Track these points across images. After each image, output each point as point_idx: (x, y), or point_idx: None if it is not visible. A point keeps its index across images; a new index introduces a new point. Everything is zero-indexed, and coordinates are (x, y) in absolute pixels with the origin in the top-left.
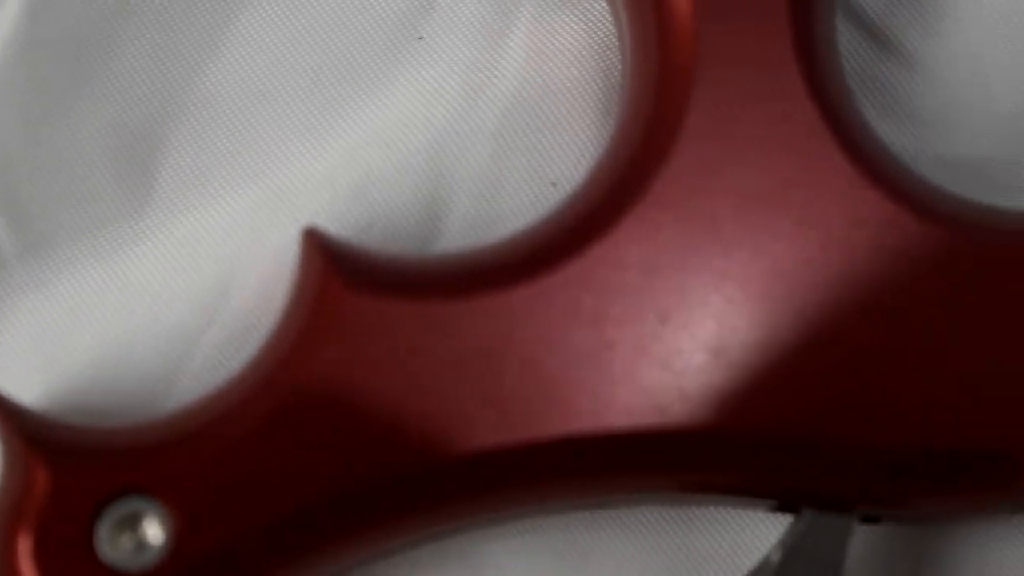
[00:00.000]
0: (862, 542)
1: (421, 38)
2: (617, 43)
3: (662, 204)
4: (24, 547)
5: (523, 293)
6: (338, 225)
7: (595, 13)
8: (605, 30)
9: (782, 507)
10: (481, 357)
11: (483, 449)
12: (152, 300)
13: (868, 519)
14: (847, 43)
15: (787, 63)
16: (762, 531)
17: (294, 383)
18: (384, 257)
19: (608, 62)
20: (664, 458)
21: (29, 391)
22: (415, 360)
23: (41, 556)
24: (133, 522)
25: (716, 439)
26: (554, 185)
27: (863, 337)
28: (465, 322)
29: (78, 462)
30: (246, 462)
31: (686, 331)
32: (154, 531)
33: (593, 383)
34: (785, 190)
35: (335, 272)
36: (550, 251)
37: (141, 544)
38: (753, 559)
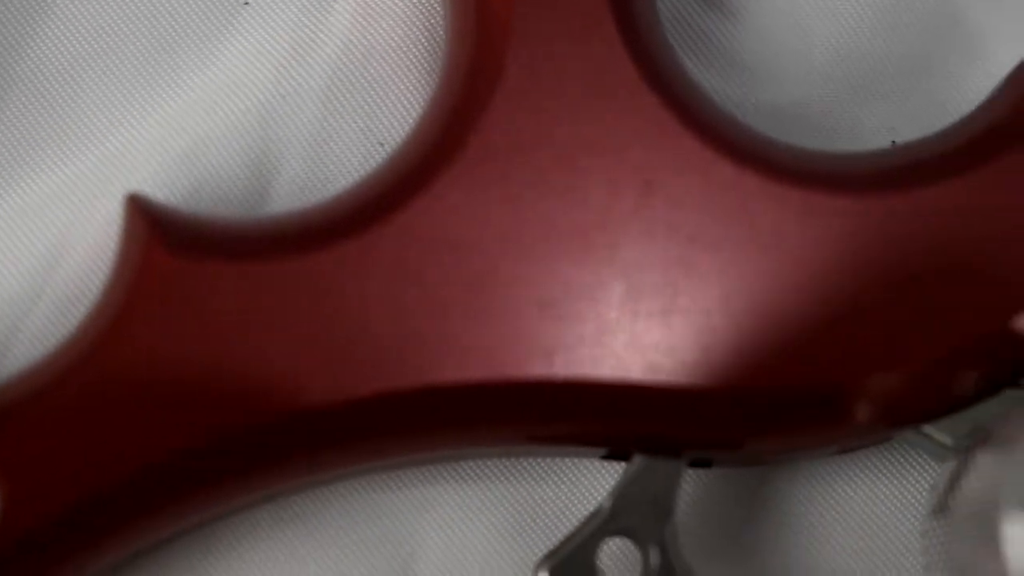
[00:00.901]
0: (695, 486)
1: (247, 3)
2: (440, 3)
3: (482, 158)
4: None
5: (348, 250)
6: (168, 191)
7: None
8: None
9: (614, 455)
10: (310, 316)
11: (316, 407)
12: None
13: (699, 463)
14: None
15: (602, 14)
16: (600, 480)
17: (119, 351)
18: (209, 221)
19: (433, 22)
20: (498, 410)
21: None
22: (244, 322)
23: None
24: None
25: (546, 389)
26: (382, 145)
27: (686, 283)
28: (292, 281)
29: None
30: (75, 432)
31: (514, 283)
32: None
33: (423, 338)
34: (604, 139)
35: (158, 238)
36: (373, 208)
37: None
38: (590, 507)
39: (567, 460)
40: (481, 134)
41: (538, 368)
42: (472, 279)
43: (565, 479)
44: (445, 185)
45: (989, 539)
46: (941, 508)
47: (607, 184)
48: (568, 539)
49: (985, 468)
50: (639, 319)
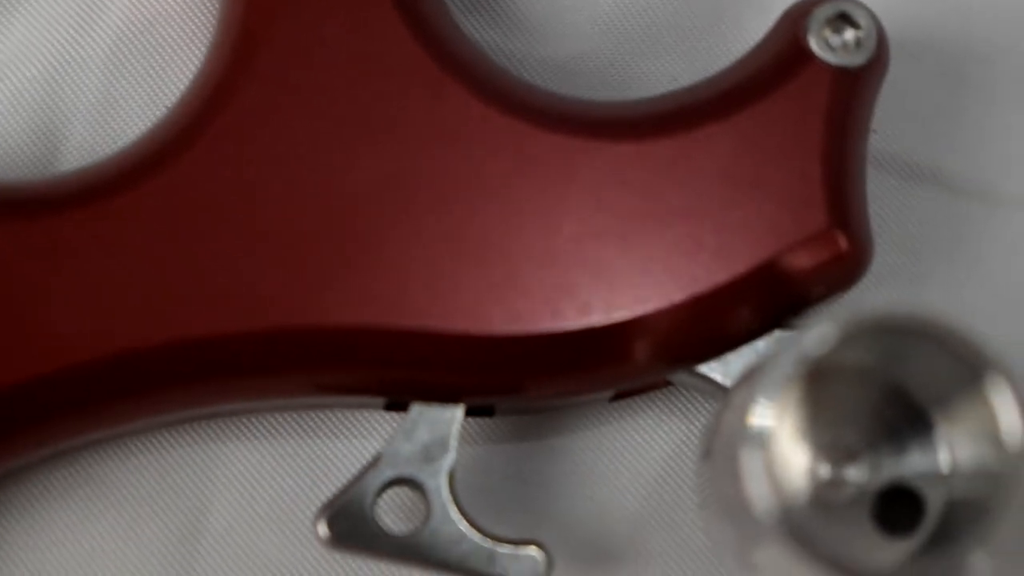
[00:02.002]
0: (479, 434)
1: None
2: None
3: (249, 117)
4: None
5: (119, 206)
6: None
7: None
8: None
9: (395, 405)
10: (86, 270)
11: (90, 360)
12: None
13: (481, 411)
14: None
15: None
16: (389, 433)
17: None
18: None
19: None
20: (272, 359)
21: None
22: (21, 278)
23: None
24: None
25: (319, 337)
26: (167, 108)
27: (461, 230)
28: (62, 239)
29: None
30: None
31: (285, 235)
32: None
33: (194, 290)
34: (374, 96)
35: None
36: (142, 166)
37: None
38: None
39: (357, 415)
40: (246, 96)
41: (310, 316)
42: (243, 231)
43: (355, 433)
44: (211, 143)
45: (737, 472)
46: (707, 447)
47: (377, 140)
48: (344, 489)
49: (736, 404)
50: (412, 267)
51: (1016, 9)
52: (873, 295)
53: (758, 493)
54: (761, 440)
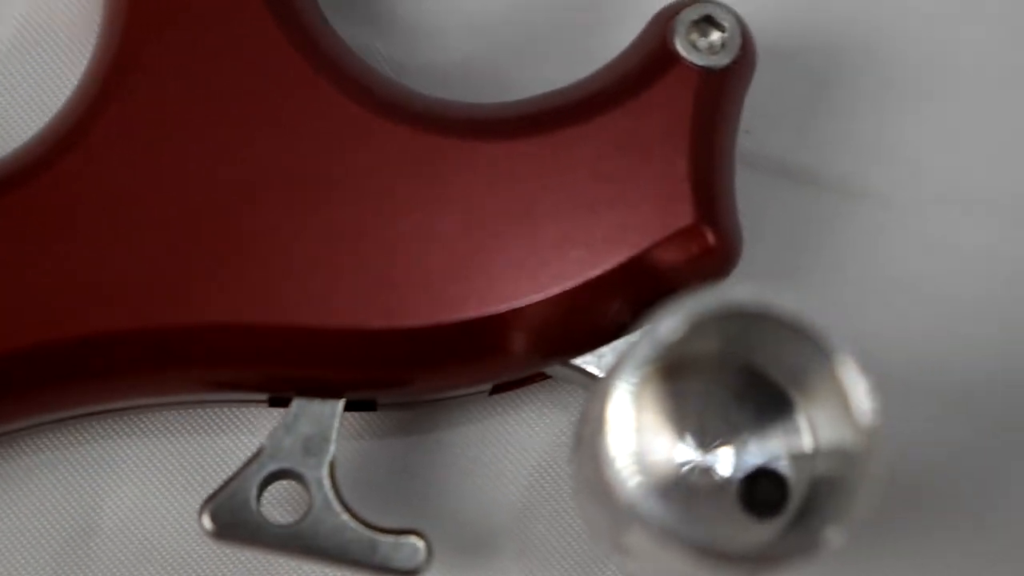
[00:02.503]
0: (364, 428)
1: None
2: None
3: (130, 119)
4: None
5: (10, 202)
6: None
7: None
8: None
9: (278, 401)
10: None
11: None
12: None
13: (364, 406)
14: None
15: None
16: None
17: None
18: None
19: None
20: (155, 357)
21: None
22: None
23: None
24: None
25: (197, 335)
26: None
27: (336, 229)
28: None
29: None
30: None
31: (161, 237)
32: None
33: (79, 288)
34: (251, 98)
35: None
36: (23, 171)
37: None
38: None
39: (247, 411)
40: (128, 98)
41: (188, 314)
42: (125, 231)
43: (245, 428)
44: (92, 145)
45: (601, 458)
46: (577, 435)
47: (255, 141)
48: (227, 482)
49: (600, 393)
50: (290, 265)
51: (881, 14)
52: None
53: (620, 479)
54: (622, 426)
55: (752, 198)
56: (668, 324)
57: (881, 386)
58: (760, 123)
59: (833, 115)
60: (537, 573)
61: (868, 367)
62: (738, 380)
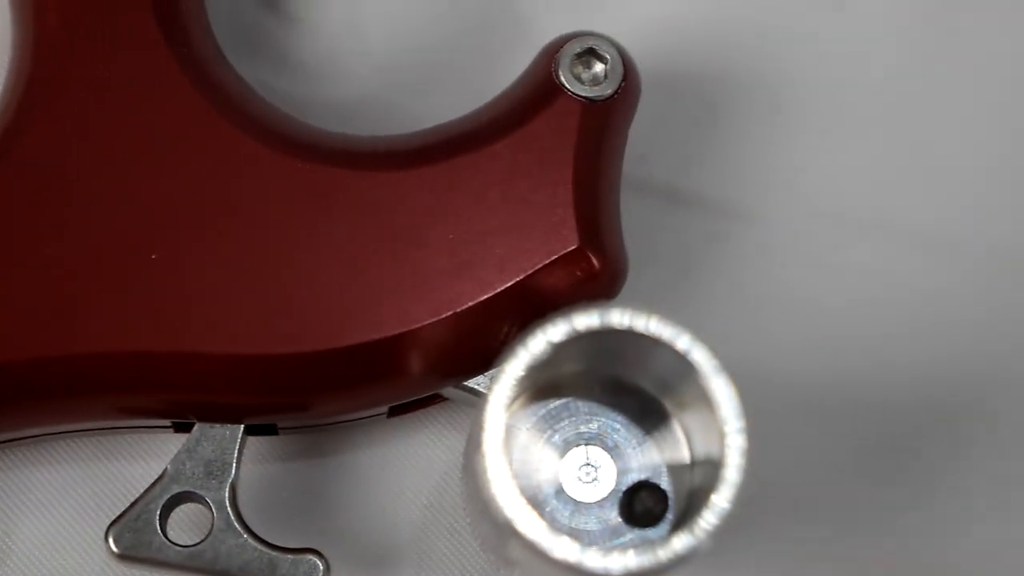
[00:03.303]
0: (268, 452)
1: None
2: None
3: (34, 152)
4: None
5: None
6: None
7: None
8: None
9: (182, 426)
10: None
11: None
12: None
13: (265, 431)
14: (241, 4)
15: (148, 24)
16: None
17: None
18: None
19: None
20: (51, 386)
21: None
22: None
23: None
24: None
25: (90, 363)
26: None
27: (224, 256)
28: None
29: None
30: None
31: (61, 266)
32: None
33: None
34: (150, 133)
35: None
36: None
37: None
38: None
39: (155, 437)
40: (32, 132)
41: (85, 343)
42: (25, 261)
43: (151, 455)
44: None
45: (480, 474)
46: (465, 454)
47: (153, 174)
48: (131, 506)
49: (480, 412)
50: (186, 293)
51: (768, 43)
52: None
53: (497, 496)
54: (496, 445)
55: (643, 222)
56: (534, 344)
57: (762, 400)
58: (651, 150)
59: (721, 140)
60: None
61: (746, 381)
62: (613, 394)
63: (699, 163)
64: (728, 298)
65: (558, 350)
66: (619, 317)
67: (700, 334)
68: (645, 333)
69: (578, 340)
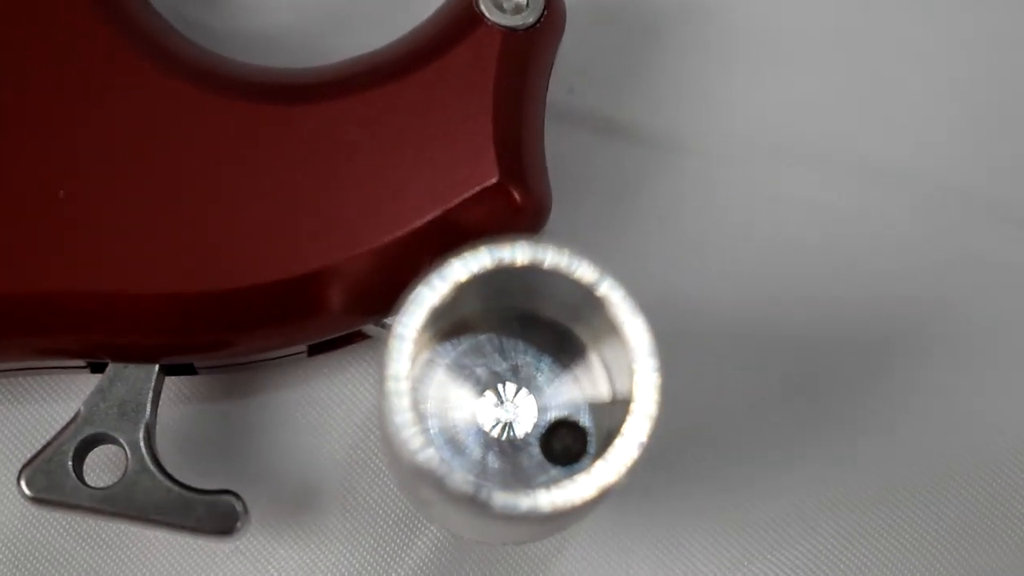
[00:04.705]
0: (189, 392)
1: None
2: None
3: None
4: None
5: None
6: None
7: None
8: None
9: (98, 367)
10: None
11: None
12: None
13: (183, 370)
14: None
15: None
16: None
17: None
18: None
19: None
20: None
21: None
22: None
23: None
24: None
25: (10, 303)
26: None
27: (143, 193)
28: None
29: None
30: None
31: None
32: None
33: None
34: (63, 71)
35: None
36: None
37: None
38: None
39: (75, 378)
40: None
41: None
42: None
43: (70, 395)
44: None
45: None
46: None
47: (68, 111)
48: (44, 448)
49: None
50: (101, 232)
51: None
52: (573, 241)
53: (399, 437)
54: (398, 385)
55: (575, 155)
56: (434, 284)
57: (688, 330)
58: (582, 81)
59: (653, 69)
60: (360, 529)
61: (673, 312)
62: (531, 329)
63: (631, 93)
64: (660, 230)
65: (465, 288)
66: (521, 253)
67: (615, 268)
68: (551, 268)
69: (487, 277)
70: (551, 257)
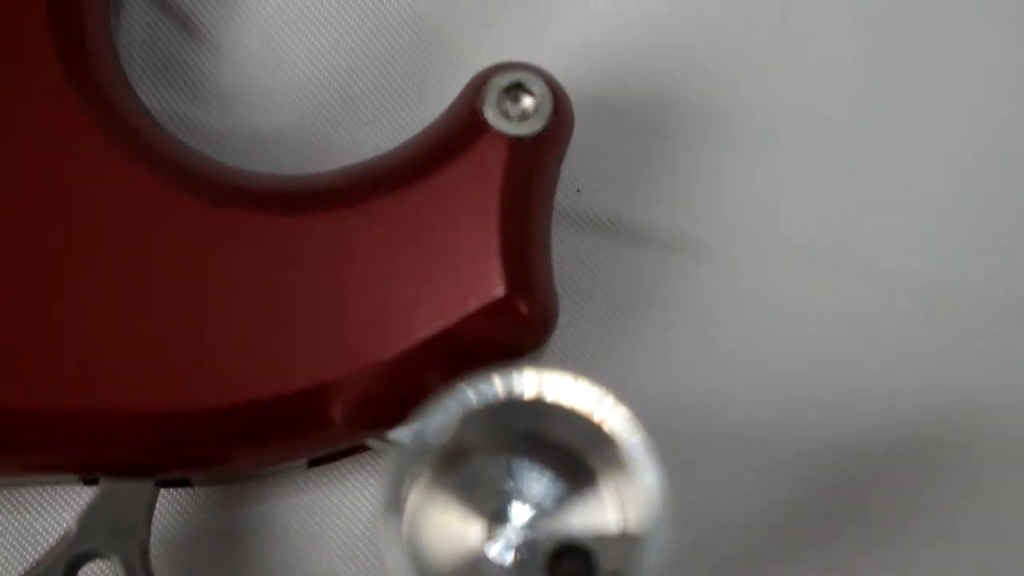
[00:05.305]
0: (183, 504)
1: None
2: None
3: None
4: None
5: None
6: None
7: None
8: None
9: (92, 480)
10: None
11: None
12: None
13: (177, 483)
14: (158, 32)
15: (42, 43)
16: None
17: None
18: None
19: None
20: None
21: None
22: None
23: None
24: None
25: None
26: None
27: (131, 311)
28: None
29: None
30: None
31: None
32: None
33: None
34: (46, 179)
35: None
36: None
37: None
38: None
39: (68, 490)
40: None
41: None
42: None
43: (63, 506)
44: None
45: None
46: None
47: (53, 218)
48: (37, 563)
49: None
50: (93, 347)
51: (711, 69)
52: (580, 349)
53: (392, 564)
54: (396, 512)
55: (583, 257)
56: (437, 422)
57: (709, 441)
58: (590, 179)
59: (664, 169)
60: None
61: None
62: (537, 450)
63: (640, 192)
64: (670, 334)
65: (461, 426)
66: (529, 385)
67: (623, 395)
68: (560, 404)
69: (482, 413)
70: (561, 392)
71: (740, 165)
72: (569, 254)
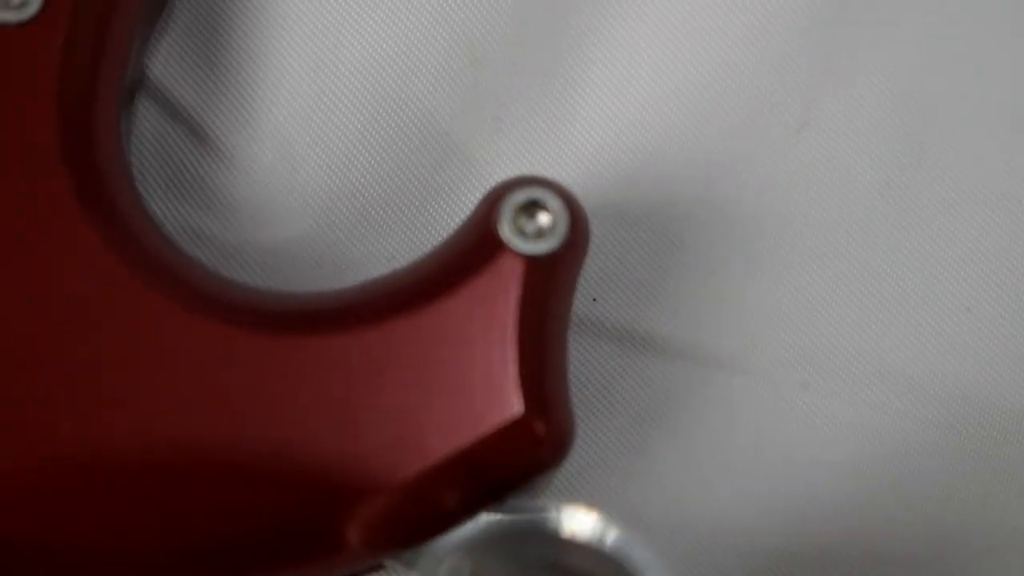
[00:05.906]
0: None
1: None
2: None
3: None
4: None
5: None
6: None
7: None
8: None
9: None
10: None
11: None
12: None
13: None
14: (171, 142)
15: (52, 161)
16: None
17: None
18: None
19: None
20: None
21: None
22: None
23: None
24: None
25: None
26: None
27: (150, 432)
28: None
29: None
30: None
31: None
32: None
33: None
34: (43, 275)
35: None
36: None
37: None
38: None
39: None
40: None
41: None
42: None
43: None
44: None
45: None
46: None
47: (63, 341)
48: None
49: None
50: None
51: (729, 178)
52: (597, 463)
53: None
54: None
55: (599, 368)
56: (453, 551)
57: (737, 552)
58: (607, 289)
59: (681, 279)
60: None
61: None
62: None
63: (656, 301)
64: (686, 445)
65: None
66: (545, 520)
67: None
68: (573, 540)
69: (496, 547)
70: (576, 524)
71: (757, 275)
72: (585, 363)
